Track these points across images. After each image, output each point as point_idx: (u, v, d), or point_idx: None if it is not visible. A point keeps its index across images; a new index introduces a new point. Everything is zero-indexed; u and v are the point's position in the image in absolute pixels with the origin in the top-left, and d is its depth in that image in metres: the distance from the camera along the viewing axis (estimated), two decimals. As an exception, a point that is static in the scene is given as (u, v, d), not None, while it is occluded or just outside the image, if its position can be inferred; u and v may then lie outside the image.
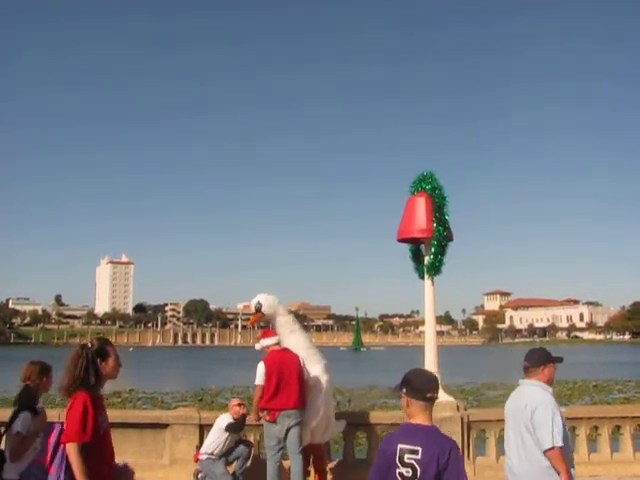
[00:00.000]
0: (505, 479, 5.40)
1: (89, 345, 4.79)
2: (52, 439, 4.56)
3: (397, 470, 3.96)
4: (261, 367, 8.30)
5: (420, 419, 4.12)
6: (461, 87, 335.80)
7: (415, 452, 3.94)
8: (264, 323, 9.05)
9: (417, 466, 3.91)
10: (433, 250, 9.57)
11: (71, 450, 4.39)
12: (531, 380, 5.36)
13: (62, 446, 4.47)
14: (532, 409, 5.11)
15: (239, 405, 9.07)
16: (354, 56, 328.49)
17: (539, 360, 5.40)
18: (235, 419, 8.91)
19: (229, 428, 8.82)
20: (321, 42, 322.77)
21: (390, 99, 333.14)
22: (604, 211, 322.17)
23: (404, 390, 4.20)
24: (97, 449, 4.52)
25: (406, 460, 3.95)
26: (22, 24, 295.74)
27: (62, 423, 4.59)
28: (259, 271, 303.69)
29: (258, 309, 8.55)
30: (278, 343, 8.50)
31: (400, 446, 4.01)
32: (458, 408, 9.65)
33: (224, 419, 8.93)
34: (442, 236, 9.50)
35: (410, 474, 3.92)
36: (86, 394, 4.57)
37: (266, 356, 8.43)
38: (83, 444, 4.41)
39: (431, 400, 4.14)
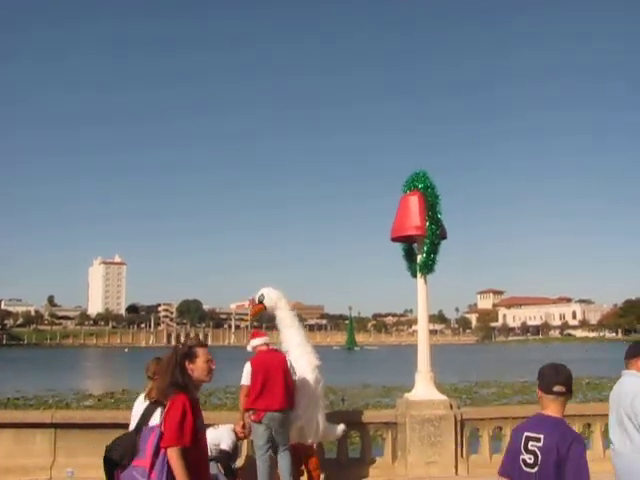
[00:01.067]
0: (612, 467, 5.48)
1: (179, 346, 4.70)
2: (151, 442, 4.46)
3: (521, 457, 4.18)
4: (247, 367, 8.39)
5: (549, 411, 4.29)
6: (456, 87, 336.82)
7: (538, 440, 4.14)
8: (266, 316, 9.27)
9: (538, 453, 4.10)
10: (426, 249, 9.57)
11: (172, 455, 4.31)
12: (630, 370, 5.68)
13: (162, 450, 4.38)
14: (631, 397, 5.32)
15: (242, 433, 8.84)
16: (350, 57, 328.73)
17: (634, 352, 5.73)
18: (235, 435, 8.82)
19: (222, 459, 8.78)
20: (319, 44, 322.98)
21: (383, 100, 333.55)
22: (597, 209, 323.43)
23: (538, 383, 4.45)
24: (195, 453, 4.42)
25: (529, 447, 4.15)
26: (22, 25, 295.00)
27: (161, 426, 4.49)
28: (252, 271, 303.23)
29: (260, 301, 8.82)
30: (267, 344, 8.58)
31: (526, 434, 4.22)
32: (451, 406, 9.66)
33: (225, 434, 8.72)
34: (435, 235, 9.51)
35: (532, 461, 4.12)
36: (185, 397, 4.48)
37: (253, 356, 8.48)
38: (182, 448, 4.33)
39: (559, 394, 4.31)
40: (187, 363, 4.60)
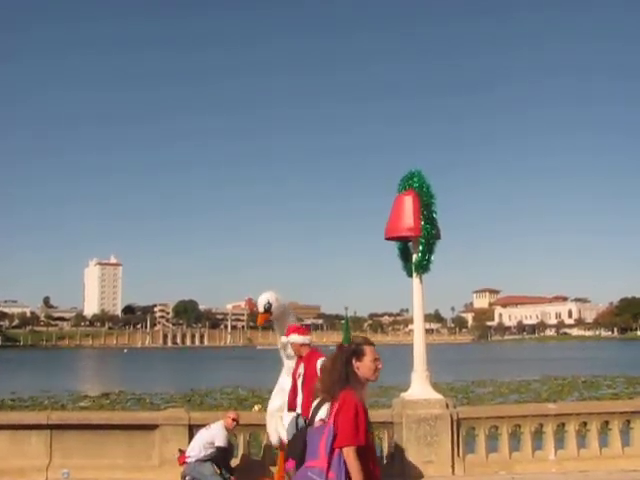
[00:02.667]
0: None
1: (345, 345, 4.66)
2: (323, 442, 4.39)
3: None
4: None
5: None
6: (452, 86, 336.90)
7: None
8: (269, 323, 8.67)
9: None
10: (421, 248, 9.57)
11: (349, 454, 4.27)
12: None
13: (337, 450, 4.33)
14: None
15: (234, 420, 9.05)
16: (348, 56, 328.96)
17: None
18: (227, 429, 8.89)
19: (217, 457, 8.80)
20: (317, 43, 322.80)
21: (382, 98, 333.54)
22: (592, 208, 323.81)
23: None
24: (366, 452, 4.38)
25: None
26: (21, 24, 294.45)
27: (330, 425, 4.41)
28: (248, 271, 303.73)
29: (267, 309, 8.21)
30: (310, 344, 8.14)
31: None
32: (447, 406, 9.66)
33: (217, 431, 8.83)
34: (430, 234, 9.50)
35: None
36: (355, 395, 4.45)
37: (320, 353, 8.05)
38: (357, 447, 4.29)
39: None
40: (354, 361, 4.56)
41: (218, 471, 8.84)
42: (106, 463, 9.36)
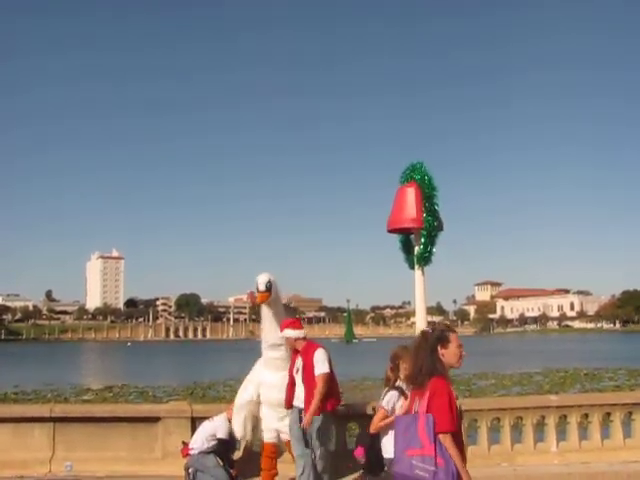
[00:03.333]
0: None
1: (429, 331, 4.68)
2: (423, 430, 4.39)
3: None
4: (325, 353, 7.73)
5: None
6: (450, 79, 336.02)
7: None
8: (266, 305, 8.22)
9: None
10: (423, 240, 9.55)
11: (447, 440, 4.33)
12: None
13: (438, 437, 4.36)
14: None
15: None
16: (349, 49, 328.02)
17: None
18: (230, 422, 8.87)
19: (219, 449, 8.81)
20: (318, 35, 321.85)
21: (383, 91, 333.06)
22: (594, 200, 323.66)
23: None
24: (458, 437, 4.44)
25: None
26: (20, 19, 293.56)
27: (428, 413, 4.42)
28: (250, 264, 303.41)
29: (269, 288, 7.95)
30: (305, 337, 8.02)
31: None
32: (449, 397, 9.66)
33: (220, 423, 8.78)
34: (432, 226, 9.49)
35: None
36: (445, 382, 4.49)
37: (320, 345, 7.97)
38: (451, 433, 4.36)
39: None
40: (439, 348, 4.57)
41: (221, 463, 8.85)
42: (109, 455, 9.39)
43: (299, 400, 7.73)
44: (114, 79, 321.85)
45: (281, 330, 7.93)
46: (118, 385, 36.11)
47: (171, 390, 32.57)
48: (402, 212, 9.67)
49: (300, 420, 7.65)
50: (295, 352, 7.88)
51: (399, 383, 6.17)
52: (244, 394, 8.47)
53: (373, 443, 6.14)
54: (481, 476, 8.75)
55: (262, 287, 7.92)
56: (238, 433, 8.45)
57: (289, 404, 7.84)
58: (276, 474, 8.29)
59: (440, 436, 4.33)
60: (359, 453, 6.16)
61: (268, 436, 8.31)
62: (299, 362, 7.75)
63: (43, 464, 9.33)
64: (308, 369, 7.60)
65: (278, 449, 8.36)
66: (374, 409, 6.55)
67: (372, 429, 5.84)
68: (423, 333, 4.71)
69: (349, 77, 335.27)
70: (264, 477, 8.24)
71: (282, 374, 8.03)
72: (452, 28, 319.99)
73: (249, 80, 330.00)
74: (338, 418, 9.62)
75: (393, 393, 6.03)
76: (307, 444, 7.64)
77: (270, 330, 8.12)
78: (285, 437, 8.11)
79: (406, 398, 5.84)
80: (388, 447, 5.87)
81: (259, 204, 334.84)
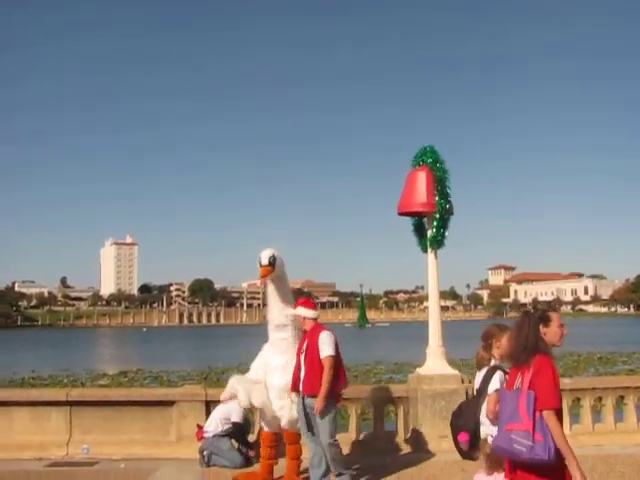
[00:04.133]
0: None
1: (531, 310, 4.77)
2: (524, 405, 4.46)
3: None
4: (332, 336, 7.49)
5: None
6: (465, 64, 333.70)
7: None
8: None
9: None
10: (435, 223, 9.54)
11: (550, 417, 4.39)
12: None
13: (538, 413, 4.42)
14: None
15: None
16: (357, 37, 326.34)
17: None
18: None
19: (234, 432, 8.85)
20: (321, 23, 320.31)
21: (396, 75, 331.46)
22: (608, 184, 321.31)
23: None
24: (560, 414, 4.50)
25: None
26: (20, 7, 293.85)
27: (529, 390, 4.50)
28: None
29: (272, 263, 7.64)
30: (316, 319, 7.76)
31: None
32: (463, 381, 9.69)
33: (234, 406, 8.75)
34: (444, 209, 9.48)
35: None
36: (550, 359, 4.58)
37: (327, 327, 7.70)
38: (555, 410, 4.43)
39: None
40: (541, 327, 4.65)
41: (236, 446, 8.93)
42: (125, 439, 9.49)
43: (301, 382, 7.53)
44: (129, 64, 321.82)
45: (294, 307, 7.73)
46: (133, 370, 36.39)
47: (185, 375, 32.79)
48: (414, 195, 9.65)
49: (303, 404, 7.48)
50: (304, 333, 7.68)
51: (494, 362, 6.11)
52: (250, 373, 8.23)
53: (477, 428, 6.07)
54: (494, 458, 8.80)
55: (265, 261, 7.64)
56: (242, 402, 7.94)
57: (294, 387, 7.57)
58: (276, 463, 8.01)
59: (544, 413, 4.40)
60: (463, 438, 6.08)
61: (269, 424, 8.00)
62: (306, 343, 7.55)
63: (60, 447, 9.46)
64: (312, 351, 7.42)
65: (279, 438, 8.01)
66: (473, 392, 6.46)
67: (490, 415, 5.76)
68: (525, 312, 4.78)
69: (360, 60, 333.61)
70: (263, 466, 7.95)
71: (287, 356, 7.75)
72: (463, 14, 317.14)
73: (255, 67, 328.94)
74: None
75: (500, 374, 5.94)
76: (311, 429, 7.51)
77: (274, 309, 7.83)
78: (284, 425, 7.81)
79: (506, 375, 5.87)
80: (485, 428, 5.88)
81: (273, 190, 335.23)
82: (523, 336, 4.63)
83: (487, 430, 5.86)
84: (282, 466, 8.00)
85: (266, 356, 8.01)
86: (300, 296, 8.67)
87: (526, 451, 4.38)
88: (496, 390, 5.78)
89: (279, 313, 7.79)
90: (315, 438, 7.49)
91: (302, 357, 7.52)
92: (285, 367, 7.72)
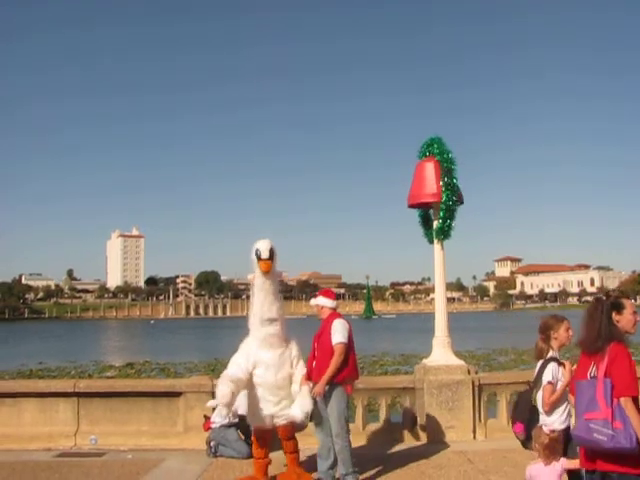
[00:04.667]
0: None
1: (604, 298, 4.73)
2: (601, 394, 4.44)
3: None
4: (344, 324, 7.47)
5: None
6: (474, 50, 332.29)
7: None
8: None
9: None
10: (442, 214, 9.53)
11: (627, 405, 4.37)
12: None
13: (615, 401, 4.41)
14: None
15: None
16: (363, 25, 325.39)
17: None
18: None
19: (241, 423, 8.83)
20: (331, 10, 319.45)
21: (401, 66, 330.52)
22: (614, 176, 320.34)
23: None
24: (637, 402, 4.47)
25: None
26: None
27: (606, 378, 4.48)
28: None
29: (272, 256, 7.33)
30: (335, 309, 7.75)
31: None
32: (469, 371, 9.70)
33: (240, 398, 8.70)
34: (451, 200, 9.46)
35: None
36: (625, 347, 4.55)
37: (340, 316, 7.65)
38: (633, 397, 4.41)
39: None
40: (614, 314, 4.63)
41: (242, 437, 8.96)
42: (132, 430, 9.55)
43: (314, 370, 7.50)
44: (138, 53, 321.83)
45: (314, 298, 7.79)
46: (140, 362, 36.51)
47: (192, 366, 32.88)
48: (421, 187, 9.64)
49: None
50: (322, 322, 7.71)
51: (552, 353, 6.12)
52: (234, 369, 7.48)
53: (532, 418, 6.08)
54: (500, 449, 8.82)
55: (266, 254, 7.29)
56: (222, 400, 7.31)
57: (308, 376, 7.46)
58: (270, 462, 7.65)
59: (622, 400, 4.38)
60: (518, 429, 6.09)
61: (262, 422, 7.51)
62: (320, 330, 7.60)
63: (68, 438, 9.52)
64: (324, 338, 7.41)
65: (272, 436, 7.65)
66: (529, 384, 6.46)
67: (546, 407, 5.76)
68: (597, 299, 4.74)
69: (369, 51, 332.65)
70: (256, 466, 7.60)
71: (279, 352, 7.43)
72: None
73: (263, 58, 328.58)
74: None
75: (554, 365, 5.95)
76: (320, 419, 7.42)
77: (264, 303, 7.41)
78: (280, 422, 7.44)
79: (560, 366, 5.86)
80: (547, 419, 5.87)
81: (280, 181, 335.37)
82: (596, 324, 4.59)
83: (542, 420, 5.87)
84: (276, 465, 7.85)
85: (254, 352, 7.44)
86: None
87: (607, 440, 4.35)
88: (549, 382, 5.81)
89: (270, 307, 7.41)
90: (324, 428, 7.44)
91: (316, 344, 7.54)
92: (279, 363, 7.41)
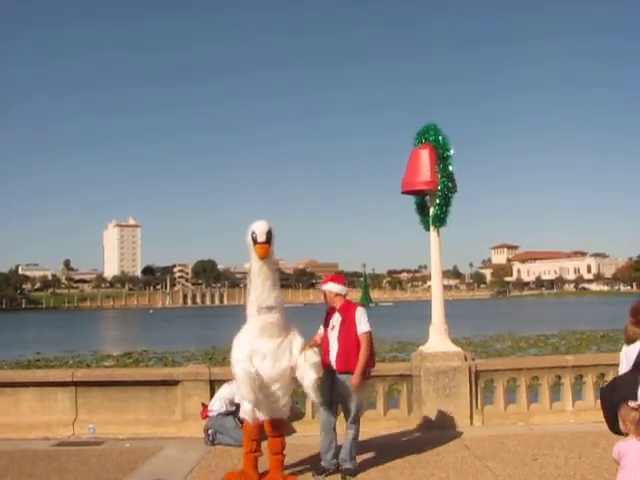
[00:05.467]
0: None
1: None
2: None
3: None
4: (365, 312, 7.52)
5: None
6: (470, 41, 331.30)
7: None
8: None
9: None
10: (438, 201, 9.54)
11: None
12: None
13: None
14: None
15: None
16: (363, 12, 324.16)
17: None
18: None
19: (239, 411, 8.81)
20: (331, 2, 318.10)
21: (398, 54, 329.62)
22: (611, 162, 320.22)
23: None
24: None
25: None
26: None
27: None
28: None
29: (269, 240, 6.72)
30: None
31: None
32: (466, 358, 9.74)
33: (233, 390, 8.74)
34: (446, 187, 9.47)
35: None
36: None
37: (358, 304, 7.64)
38: None
39: None
40: None
41: (240, 425, 8.97)
42: (130, 418, 9.58)
43: (332, 361, 7.36)
44: (128, 47, 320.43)
45: (323, 283, 7.65)
46: (138, 351, 36.51)
47: (190, 355, 32.89)
48: (417, 174, 9.64)
49: (332, 380, 7.32)
50: (332, 310, 7.53)
51: None
52: (239, 351, 7.00)
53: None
54: (498, 435, 8.88)
55: (263, 237, 6.65)
56: (246, 395, 6.89)
57: (327, 365, 7.29)
58: (260, 455, 7.27)
59: None
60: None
61: (254, 416, 7.08)
62: (335, 320, 7.43)
63: (66, 427, 9.55)
64: (348, 326, 7.31)
65: (263, 431, 7.19)
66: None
67: None
68: None
69: (366, 39, 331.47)
70: (246, 459, 7.24)
71: (277, 342, 6.96)
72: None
73: (263, 45, 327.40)
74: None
75: None
76: (329, 404, 7.41)
77: (263, 290, 6.88)
78: (273, 414, 7.09)
79: None
80: None
81: (275, 169, 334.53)
82: None
83: None
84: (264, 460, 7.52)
85: (251, 341, 6.97)
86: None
87: None
88: None
89: (269, 294, 6.87)
90: (331, 410, 7.44)
91: (334, 334, 7.40)
92: (277, 354, 6.94)
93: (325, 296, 7.61)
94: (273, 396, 6.98)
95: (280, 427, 7.22)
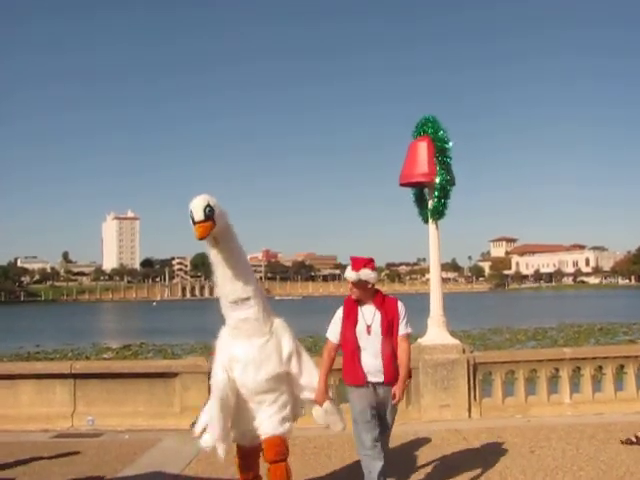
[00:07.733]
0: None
1: None
2: None
3: None
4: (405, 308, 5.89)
5: None
6: (470, 32, 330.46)
7: None
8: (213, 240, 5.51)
9: None
10: (436, 194, 9.53)
11: None
12: None
13: None
14: None
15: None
16: (360, 6, 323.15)
17: None
18: None
19: None
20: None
21: (398, 47, 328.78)
22: (610, 156, 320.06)
23: None
24: None
25: None
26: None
27: None
28: (264, 221, 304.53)
29: (209, 216, 5.24)
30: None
31: None
32: (464, 350, 9.76)
33: None
34: (445, 180, 9.46)
35: None
36: None
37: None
38: None
39: None
40: None
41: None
42: (129, 410, 9.60)
43: (373, 371, 5.66)
44: (125, 40, 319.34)
45: (355, 268, 5.61)
46: (137, 343, 36.59)
47: (189, 348, 32.93)
48: (415, 166, 9.62)
49: (375, 395, 5.69)
50: (353, 304, 5.78)
51: None
52: (219, 373, 5.68)
53: None
54: (495, 427, 8.90)
55: (200, 215, 5.22)
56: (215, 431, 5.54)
57: (363, 378, 5.66)
58: (260, 478, 6.03)
59: None
60: None
61: (243, 437, 5.82)
62: (370, 316, 5.72)
63: (65, 419, 9.56)
64: (390, 325, 5.71)
65: (258, 452, 5.83)
66: None
67: None
68: None
69: (366, 32, 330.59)
70: None
71: (257, 342, 5.63)
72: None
73: (267, 34, 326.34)
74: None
75: None
76: (372, 421, 5.71)
77: (227, 279, 5.60)
78: (274, 432, 5.64)
79: None
80: None
81: (273, 160, 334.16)
82: None
83: None
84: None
85: (227, 348, 5.75)
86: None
87: None
88: None
89: (232, 285, 5.59)
90: (376, 430, 5.72)
91: (375, 336, 5.68)
92: (260, 359, 5.60)
93: (356, 286, 5.69)
94: (264, 412, 5.66)
95: (281, 450, 5.65)
